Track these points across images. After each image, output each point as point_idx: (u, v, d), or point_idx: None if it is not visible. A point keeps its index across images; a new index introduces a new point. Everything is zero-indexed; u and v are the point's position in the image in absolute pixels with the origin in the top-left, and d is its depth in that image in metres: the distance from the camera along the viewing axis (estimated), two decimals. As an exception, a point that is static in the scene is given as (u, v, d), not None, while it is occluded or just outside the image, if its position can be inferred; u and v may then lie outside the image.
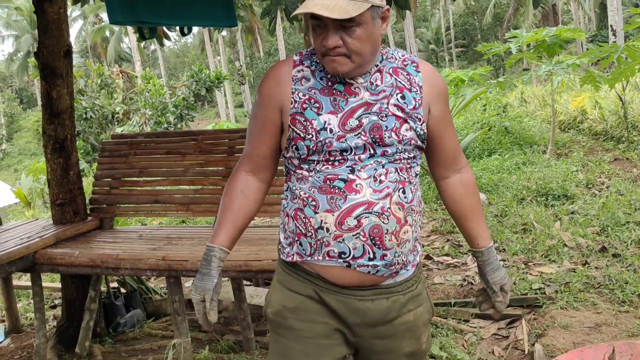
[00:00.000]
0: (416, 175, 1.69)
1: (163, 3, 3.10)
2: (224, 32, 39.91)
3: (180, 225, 5.06)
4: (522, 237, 5.20)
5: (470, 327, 3.68)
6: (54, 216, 3.93)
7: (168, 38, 5.09)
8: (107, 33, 43.96)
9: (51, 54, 3.73)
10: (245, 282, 4.32)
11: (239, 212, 1.73)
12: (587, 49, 6.31)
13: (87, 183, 8.01)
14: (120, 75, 15.45)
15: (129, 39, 40.30)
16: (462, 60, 49.41)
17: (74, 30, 50.06)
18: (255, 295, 4.18)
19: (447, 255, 5.08)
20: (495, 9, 37.44)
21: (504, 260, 4.70)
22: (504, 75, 27.57)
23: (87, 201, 4.06)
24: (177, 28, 4.15)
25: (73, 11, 43.82)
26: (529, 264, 4.58)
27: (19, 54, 48.16)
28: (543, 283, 4.12)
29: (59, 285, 4.65)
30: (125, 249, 3.42)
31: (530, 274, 4.34)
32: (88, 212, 4.04)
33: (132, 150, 4.14)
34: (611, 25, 22.64)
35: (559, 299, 3.82)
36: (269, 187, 1.81)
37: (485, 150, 9.71)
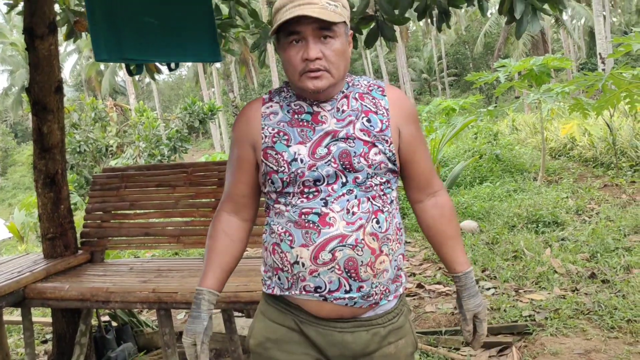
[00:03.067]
0: (392, 202, 1.68)
1: (149, 40, 3.16)
2: (218, 64, 40.21)
3: (170, 258, 5.06)
4: (512, 264, 5.23)
5: (461, 355, 3.68)
6: (45, 250, 3.94)
7: (160, 72, 5.15)
8: (102, 67, 44.19)
9: (42, 90, 3.78)
10: (236, 314, 4.32)
11: (224, 253, 1.77)
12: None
13: (80, 216, 8.01)
14: (114, 108, 15.53)
15: (124, 72, 40.44)
16: (455, 89, 49.83)
17: (69, 64, 50.53)
18: (246, 326, 4.17)
19: (438, 283, 5.09)
20: (486, 38, 37.88)
21: (495, 288, 4.72)
22: (496, 103, 27.83)
23: (78, 235, 4.08)
24: (165, 63, 4.21)
25: (68, 45, 44.17)
26: (520, 291, 4.60)
27: (14, 88, 48.35)
28: (533, 310, 4.14)
29: (50, 319, 4.63)
30: (116, 282, 3.43)
31: (521, 301, 4.35)
32: (79, 245, 4.05)
33: (123, 183, 4.16)
34: (600, 53, 22.92)
35: (549, 325, 3.83)
36: (252, 225, 1.84)
37: (476, 178, 9.76)
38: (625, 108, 11.00)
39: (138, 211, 4.13)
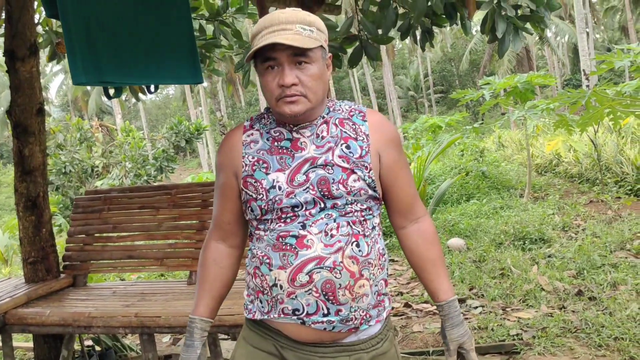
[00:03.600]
0: (374, 227, 1.67)
1: (128, 63, 3.13)
2: (205, 84, 40.26)
3: (154, 280, 5.01)
4: (500, 282, 5.21)
5: (449, 376, 3.65)
6: (26, 275, 3.89)
7: (144, 92, 5.13)
8: (88, 87, 44.10)
9: (23, 112, 3.75)
10: (221, 336, 4.27)
11: (215, 282, 1.77)
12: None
13: (65, 239, 7.91)
14: (100, 128, 15.46)
15: (110, 92, 40.35)
16: (442, 106, 50.15)
17: (55, 84, 50.39)
18: (231, 349, 4.11)
19: (426, 302, 5.06)
20: (472, 55, 38.18)
21: (482, 306, 4.69)
22: (482, 120, 28.02)
23: (61, 258, 4.03)
24: (144, 85, 4.19)
25: (54, 66, 44.05)
26: (507, 309, 4.58)
27: (0, 109, 48.10)
28: (521, 329, 4.12)
29: (32, 344, 4.55)
30: (98, 307, 3.38)
31: (508, 319, 4.33)
32: (61, 269, 4.00)
33: (106, 205, 4.13)
34: (584, 70, 23.17)
35: (536, 344, 3.81)
36: (241, 251, 1.83)
37: (463, 196, 9.78)
38: (609, 124, 11.10)
39: (121, 234, 4.09)
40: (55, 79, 48.99)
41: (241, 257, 1.84)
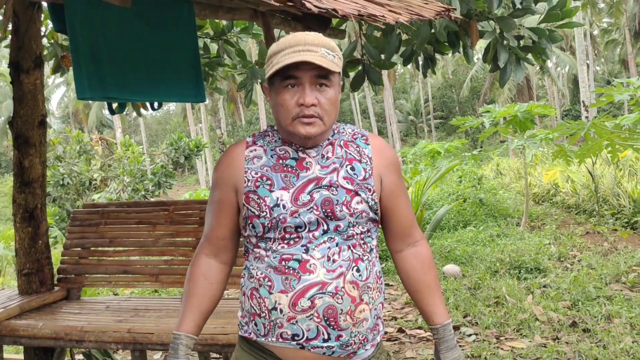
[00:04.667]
0: (371, 250, 1.68)
1: (133, 79, 3.16)
2: (207, 101, 40.38)
3: (149, 296, 5.00)
4: (494, 311, 5.20)
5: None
6: (20, 286, 3.87)
7: (146, 108, 5.15)
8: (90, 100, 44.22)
9: (25, 124, 3.77)
10: (214, 355, 4.24)
11: (203, 297, 1.75)
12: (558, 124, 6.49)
13: (60, 251, 7.88)
14: (100, 142, 15.49)
15: (112, 105, 40.46)
16: (441, 132, 50.31)
17: (57, 96, 50.42)
18: (223, 369, 4.09)
19: (419, 328, 5.04)
20: (472, 82, 38.41)
21: (476, 334, 4.68)
22: (481, 147, 28.11)
23: (56, 270, 4.02)
24: (147, 103, 4.21)
25: (56, 78, 44.22)
26: (501, 338, 4.57)
27: (0, 119, 48.17)
28: (514, 358, 4.10)
29: (22, 357, 4.52)
30: (91, 321, 3.37)
31: (502, 348, 4.32)
32: (55, 282, 3.99)
33: (103, 219, 4.13)
34: (583, 101, 23.33)
35: (529, 375, 3.79)
36: (231, 268, 1.82)
37: (460, 222, 9.78)
38: (607, 156, 11.14)
39: (117, 248, 4.08)
40: (57, 91, 49.15)
41: (230, 273, 1.83)
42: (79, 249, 4.08)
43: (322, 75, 1.56)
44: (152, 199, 13.29)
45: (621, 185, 9.39)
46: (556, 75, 40.57)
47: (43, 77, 3.90)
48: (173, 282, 3.87)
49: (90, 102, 44.23)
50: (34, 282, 3.87)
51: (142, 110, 5.19)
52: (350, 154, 1.68)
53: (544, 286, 5.81)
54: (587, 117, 21.59)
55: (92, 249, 4.08)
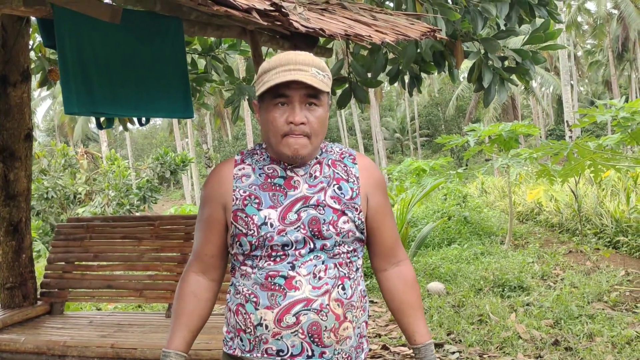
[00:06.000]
0: (357, 269, 1.70)
1: (121, 95, 3.17)
2: (194, 116, 40.35)
3: (132, 312, 4.97)
4: (478, 328, 5.22)
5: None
6: (3, 300, 3.85)
7: (133, 122, 5.16)
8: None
9: (11, 137, 3.77)
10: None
11: (192, 315, 1.75)
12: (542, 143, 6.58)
13: (43, 264, 7.81)
14: (85, 155, 15.43)
15: (97, 119, 40.31)
16: (427, 149, 50.58)
17: (42, 109, 50.20)
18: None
19: (403, 345, 5.05)
20: (458, 101, 38.75)
21: (459, 352, 4.69)
22: (466, 164, 28.30)
23: (39, 284, 4.00)
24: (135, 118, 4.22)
25: (42, 91, 44.03)
26: (484, 356, 4.58)
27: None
28: (497, 376, 4.12)
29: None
30: (74, 336, 3.36)
31: (485, 366, 4.33)
32: (39, 296, 3.97)
33: (88, 234, 4.12)
34: (567, 121, 23.58)
35: (511, 392, 3.81)
36: (219, 285, 1.83)
37: (444, 240, 9.82)
38: (590, 176, 11.27)
39: (102, 263, 4.08)
40: (42, 104, 48.96)
41: (219, 290, 1.84)
42: (63, 263, 4.07)
43: (312, 94, 1.58)
44: (137, 214, 13.24)
45: (604, 204, 9.49)
46: (540, 95, 41.01)
47: (30, 91, 3.90)
48: (157, 297, 3.86)
49: (76, 115, 44.09)
50: (17, 296, 3.85)
51: (128, 124, 5.20)
52: (337, 173, 1.70)
53: (527, 304, 5.85)
54: (570, 137, 21.84)
55: (76, 263, 4.07)
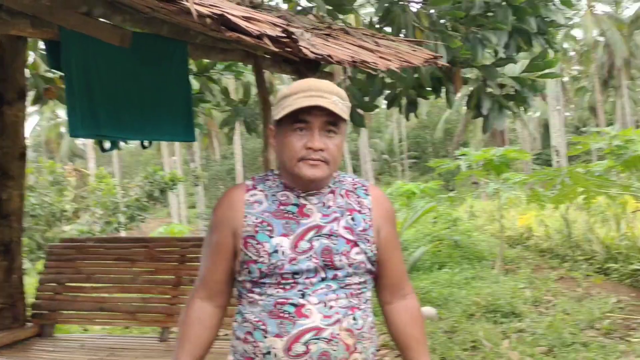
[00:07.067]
0: (366, 301, 1.69)
1: (126, 118, 3.16)
2: (196, 140, 40.23)
3: (125, 335, 4.89)
4: (471, 355, 5.19)
5: None
6: (-8, 322, 3.78)
7: (126, 142, 5.13)
8: (63, 129, 43.80)
9: (5, 156, 3.73)
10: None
11: (197, 342, 1.73)
12: (532, 169, 6.61)
13: (29, 283, 7.67)
14: (73, 173, 15.31)
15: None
16: (415, 171, 50.67)
17: (29, 124, 49.90)
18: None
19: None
20: (446, 124, 38.96)
21: (453, 379, 4.65)
22: (454, 189, 28.37)
23: (27, 303, 3.93)
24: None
25: (29, 107, 43.76)
26: (479, 383, 4.55)
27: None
28: (492, 405, 4.08)
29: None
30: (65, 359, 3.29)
31: (480, 394, 4.30)
32: (28, 317, 3.89)
33: (81, 255, 4.06)
34: (554, 146, 23.78)
35: (508, 422, 3.77)
36: (224, 312, 1.80)
37: (435, 264, 9.79)
38: (579, 201, 11.32)
39: (94, 285, 4.01)
40: (29, 119, 48.65)
41: (223, 317, 1.81)
42: (55, 284, 4.01)
43: (331, 122, 1.58)
44: (123, 232, 13.13)
45: (593, 231, 9.52)
46: (527, 120, 41.33)
47: (25, 110, 3.87)
48: (150, 321, 3.81)
49: (63, 131, 43.58)
50: (6, 317, 3.78)
51: (120, 143, 5.16)
52: (350, 204, 1.69)
53: (520, 331, 5.82)
54: (558, 162, 22.02)
55: (67, 284, 4.01)
